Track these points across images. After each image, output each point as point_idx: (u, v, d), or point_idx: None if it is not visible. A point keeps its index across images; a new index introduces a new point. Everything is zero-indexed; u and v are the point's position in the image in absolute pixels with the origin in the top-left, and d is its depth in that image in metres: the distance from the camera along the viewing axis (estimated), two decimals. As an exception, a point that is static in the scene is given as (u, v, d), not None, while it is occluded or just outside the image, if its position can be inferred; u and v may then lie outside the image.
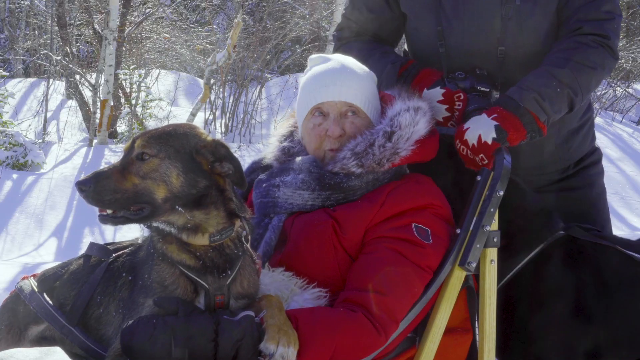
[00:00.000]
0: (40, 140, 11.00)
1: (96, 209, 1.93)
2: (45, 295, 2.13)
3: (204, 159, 1.98)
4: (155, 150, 1.93)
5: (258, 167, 2.59)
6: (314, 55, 2.57)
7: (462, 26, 2.60)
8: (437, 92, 2.57)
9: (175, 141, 1.96)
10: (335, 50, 2.90)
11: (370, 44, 2.82)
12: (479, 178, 2.43)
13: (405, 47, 2.94)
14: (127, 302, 1.98)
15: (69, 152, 10.18)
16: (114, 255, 2.12)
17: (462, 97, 2.54)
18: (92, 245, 2.18)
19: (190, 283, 1.96)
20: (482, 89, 2.54)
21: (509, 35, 2.56)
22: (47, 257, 6.70)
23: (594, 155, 2.90)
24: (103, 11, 12.56)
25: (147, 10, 13.45)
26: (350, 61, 2.50)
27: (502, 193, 2.40)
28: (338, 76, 2.42)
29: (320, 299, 2.20)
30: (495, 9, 2.56)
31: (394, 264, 2.20)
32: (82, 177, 1.90)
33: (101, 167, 1.96)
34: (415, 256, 2.24)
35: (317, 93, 2.42)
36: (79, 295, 2.07)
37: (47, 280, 2.17)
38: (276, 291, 2.15)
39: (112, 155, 9.98)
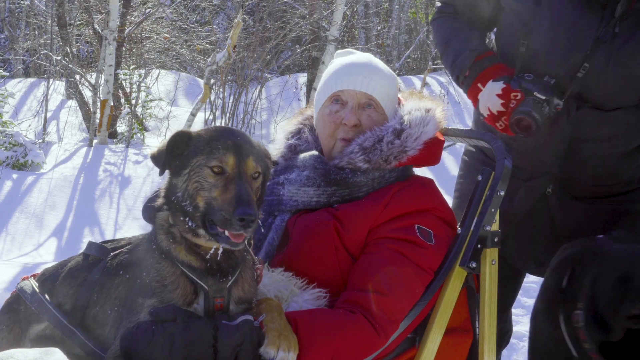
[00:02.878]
0: (40, 140, 11.00)
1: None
2: (47, 296, 2.13)
3: (269, 169, 2.05)
4: (261, 168, 1.96)
5: None
6: (341, 50, 2.60)
7: (553, 33, 2.61)
8: (498, 86, 2.59)
9: (263, 154, 2.01)
10: (432, 21, 2.97)
11: (461, 25, 2.85)
12: (480, 178, 2.43)
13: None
14: (125, 302, 1.97)
15: (69, 152, 10.18)
16: (112, 254, 2.11)
17: (518, 97, 2.56)
18: (91, 244, 2.17)
19: (191, 284, 1.95)
20: (538, 95, 2.55)
21: (599, 56, 2.56)
22: (47, 257, 6.69)
23: None
24: (103, 11, 12.55)
25: (147, 10, 13.44)
26: (377, 59, 2.53)
27: (502, 193, 2.40)
28: (362, 68, 2.44)
29: (320, 299, 2.20)
30: (592, 26, 2.56)
31: (395, 264, 2.20)
32: (242, 205, 1.84)
33: (239, 190, 1.88)
34: (416, 257, 2.23)
35: (339, 81, 2.43)
36: (79, 295, 2.06)
37: (48, 280, 2.17)
38: (276, 292, 2.15)
39: (112, 155, 9.97)
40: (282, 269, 2.25)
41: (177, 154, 1.95)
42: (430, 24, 3.01)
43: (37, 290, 2.13)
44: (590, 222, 2.76)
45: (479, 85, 2.65)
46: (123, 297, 1.98)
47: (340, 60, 2.51)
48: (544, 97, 2.53)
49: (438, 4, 2.97)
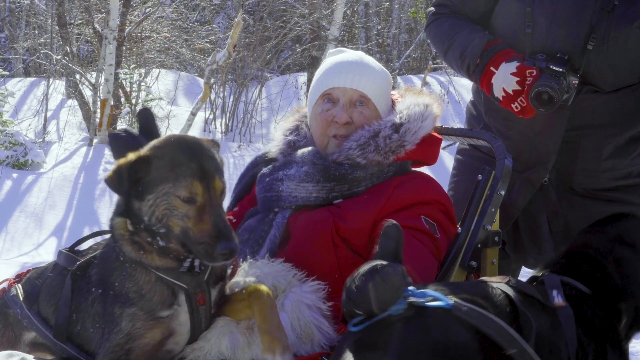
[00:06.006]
0: (40, 140, 10.99)
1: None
2: (34, 308, 2.08)
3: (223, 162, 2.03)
4: (224, 179, 1.92)
5: (261, 161, 2.58)
6: (333, 50, 2.59)
7: (555, 6, 2.61)
8: (512, 65, 2.59)
9: (219, 158, 1.97)
10: (428, 25, 2.94)
11: (463, 21, 2.85)
12: (480, 177, 2.43)
13: None
14: (104, 316, 1.93)
15: (69, 152, 10.17)
16: (76, 264, 2.03)
17: (534, 74, 2.55)
18: (60, 253, 2.11)
19: (167, 287, 1.92)
20: (555, 68, 2.54)
21: (602, 28, 2.56)
22: (47, 257, 6.69)
23: None
24: (103, 10, 12.54)
25: (147, 10, 13.43)
26: (368, 57, 2.52)
27: (503, 192, 2.39)
28: (353, 65, 2.43)
29: (319, 291, 2.19)
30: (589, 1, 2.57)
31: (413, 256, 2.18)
32: (224, 240, 1.85)
33: (217, 222, 1.86)
34: (429, 244, 2.25)
35: (329, 79, 2.43)
36: (58, 312, 2.01)
37: (31, 295, 2.10)
38: (274, 281, 2.13)
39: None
40: (282, 259, 2.24)
41: (136, 178, 1.87)
42: (426, 28, 2.98)
43: (24, 306, 2.08)
44: (585, 217, 2.76)
45: (492, 68, 2.64)
46: (101, 312, 1.94)
47: (332, 59, 2.51)
48: (560, 70, 2.53)
49: (431, 8, 2.97)
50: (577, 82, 2.56)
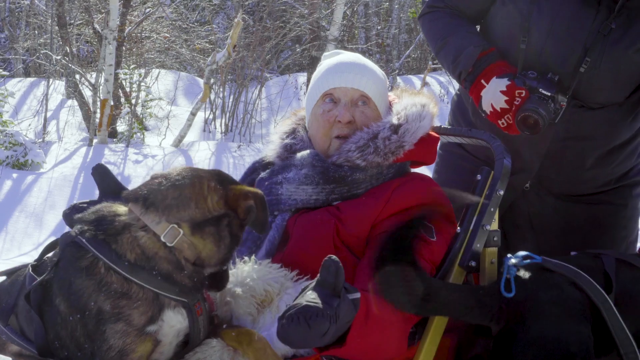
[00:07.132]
0: (40, 140, 10.99)
1: None
2: (11, 327, 2.04)
3: None
4: None
5: (259, 166, 2.58)
6: (328, 52, 2.59)
7: (552, 25, 2.60)
8: (502, 82, 2.58)
9: None
10: (421, 16, 2.89)
11: (458, 21, 2.80)
12: (479, 177, 2.43)
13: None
14: (88, 336, 1.89)
15: (69, 152, 10.17)
16: (25, 294, 1.97)
17: (523, 95, 2.54)
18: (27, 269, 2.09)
19: (159, 304, 1.91)
20: (544, 92, 2.53)
21: (596, 50, 2.56)
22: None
23: (638, 175, 2.84)
24: (103, 11, 12.55)
25: (147, 10, 13.44)
26: (365, 58, 2.53)
27: (502, 192, 2.40)
28: (353, 66, 2.44)
29: None
30: (589, 19, 2.57)
31: None
32: None
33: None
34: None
35: (329, 79, 2.43)
36: (35, 335, 1.96)
37: (6, 309, 2.05)
38: (264, 285, 2.13)
39: (112, 154, 9.98)
40: (269, 260, 2.23)
41: None
42: (419, 18, 2.93)
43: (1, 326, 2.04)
44: (565, 221, 2.78)
45: (483, 81, 2.63)
46: (85, 334, 1.90)
47: (330, 61, 2.51)
48: (549, 94, 2.52)
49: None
50: (565, 103, 2.56)
